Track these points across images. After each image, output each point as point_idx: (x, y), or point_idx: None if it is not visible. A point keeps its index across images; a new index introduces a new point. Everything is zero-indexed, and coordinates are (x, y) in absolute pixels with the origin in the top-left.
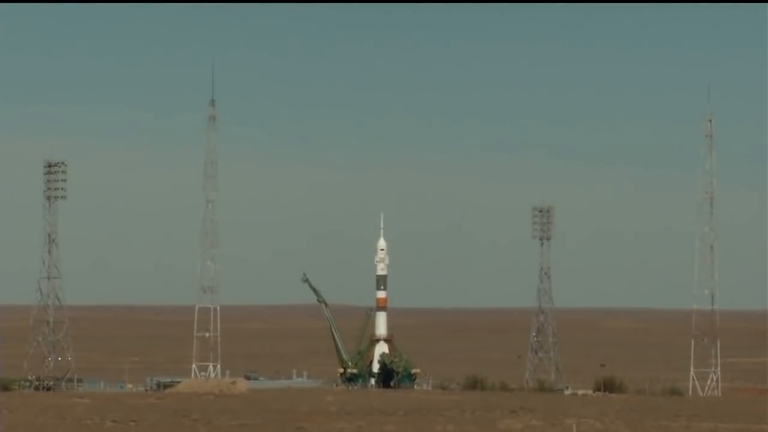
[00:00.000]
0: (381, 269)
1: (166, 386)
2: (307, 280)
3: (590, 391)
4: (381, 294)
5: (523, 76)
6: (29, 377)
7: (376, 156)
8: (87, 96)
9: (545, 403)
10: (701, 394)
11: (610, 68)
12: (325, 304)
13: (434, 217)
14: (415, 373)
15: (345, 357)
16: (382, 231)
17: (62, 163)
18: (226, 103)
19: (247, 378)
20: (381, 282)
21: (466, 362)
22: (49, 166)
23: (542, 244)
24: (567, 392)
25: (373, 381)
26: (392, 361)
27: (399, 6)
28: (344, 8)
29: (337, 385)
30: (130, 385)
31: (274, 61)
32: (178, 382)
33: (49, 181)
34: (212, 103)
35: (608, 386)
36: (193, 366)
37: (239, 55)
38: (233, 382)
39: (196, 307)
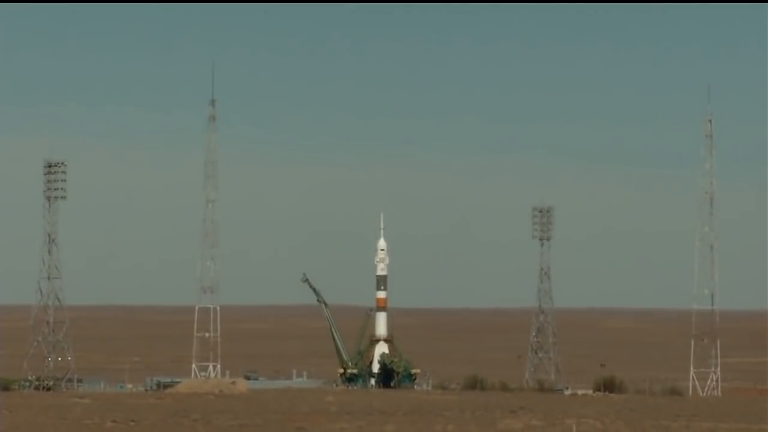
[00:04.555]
0: (381, 269)
1: (166, 386)
2: (307, 280)
3: (590, 391)
4: (381, 294)
5: (523, 76)
6: (29, 377)
7: (376, 156)
8: (87, 96)
9: (545, 403)
10: (701, 394)
11: (610, 68)
12: (325, 304)
13: (434, 217)
14: (415, 374)
15: (345, 357)
16: (382, 231)
17: (62, 163)
18: (226, 103)
19: (247, 378)
20: (381, 282)
21: (466, 362)
22: (49, 166)
23: (542, 244)
24: (567, 392)
25: (373, 381)
26: (392, 362)
27: (399, 6)
28: (344, 8)
29: (337, 386)
30: (130, 386)
31: (274, 61)
32: (178, 382)
33: (49, 181)
34: (212, 103)
35: (608, 386)
36: (193, 366)
37: (239, 55)
38: (233, 383)
39: (196, 307)
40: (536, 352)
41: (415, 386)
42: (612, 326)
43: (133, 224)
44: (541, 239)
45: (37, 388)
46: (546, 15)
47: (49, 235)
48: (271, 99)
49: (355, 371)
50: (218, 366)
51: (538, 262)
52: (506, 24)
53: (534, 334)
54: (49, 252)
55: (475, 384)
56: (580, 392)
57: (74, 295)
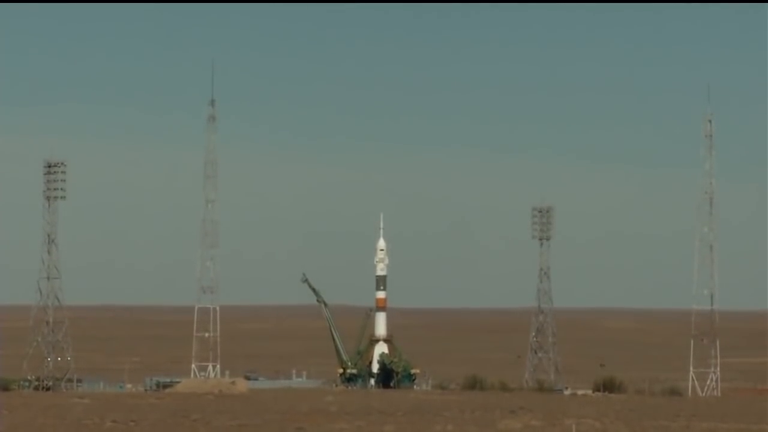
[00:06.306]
0: (381, 269)
1: (165, 386)
2: (306, 280)
3: (590, 392)
4: (381, 294)
5: (523, 76)
6: (29, 377)
7: (376, 156)
8: (87, 96)
9: (545, 403)
10: (701, 394)
11: (610, 68)
12: (325, 304)
13: (434, 218)
14: (414, 374)
15: (345, 357)
16: (381, 231)
17: (62, 163)
18: (226, 103)
19: (247, 378)
20: (381, 282)
21: (466, 362)
22: (49, 166)
23: (542, 244)
24: (566, 392)
25: (372, 381)
26: (392, 362)
27: (399, 6)
28: (344, 8)
29: (336, 386)
30: (129, 385)
31: (274, 61)
32: (178, 382)
33: (49, 181)
34: (212, 103)
35: (608, 386)
36: (193, 366)
37: (239, 55)
38: (233, 383)
39: (196, 307)
40: (536, 352)
41: (415, 386)
42: (612, 326)
43: (133, 224)
44: (540, 239)
45: (36, 388)
46: (546, 15)
47: (48, 235)
48: (271, 99)
49: (354, 371)
50: (218, 366)
51: (537, 262)
52: (506, 24)
53: (533, 334)
54: (49, 252)
55: (474, 384)
56: (579, 392)
57: (74, 295)
